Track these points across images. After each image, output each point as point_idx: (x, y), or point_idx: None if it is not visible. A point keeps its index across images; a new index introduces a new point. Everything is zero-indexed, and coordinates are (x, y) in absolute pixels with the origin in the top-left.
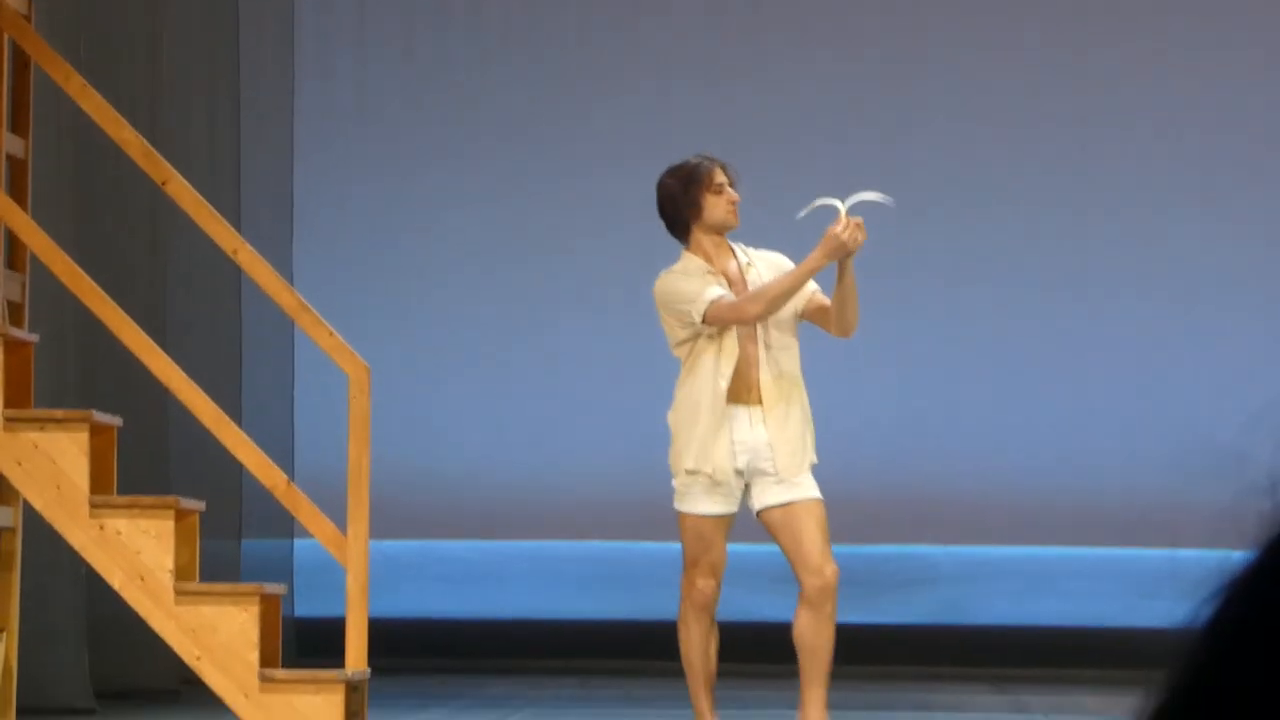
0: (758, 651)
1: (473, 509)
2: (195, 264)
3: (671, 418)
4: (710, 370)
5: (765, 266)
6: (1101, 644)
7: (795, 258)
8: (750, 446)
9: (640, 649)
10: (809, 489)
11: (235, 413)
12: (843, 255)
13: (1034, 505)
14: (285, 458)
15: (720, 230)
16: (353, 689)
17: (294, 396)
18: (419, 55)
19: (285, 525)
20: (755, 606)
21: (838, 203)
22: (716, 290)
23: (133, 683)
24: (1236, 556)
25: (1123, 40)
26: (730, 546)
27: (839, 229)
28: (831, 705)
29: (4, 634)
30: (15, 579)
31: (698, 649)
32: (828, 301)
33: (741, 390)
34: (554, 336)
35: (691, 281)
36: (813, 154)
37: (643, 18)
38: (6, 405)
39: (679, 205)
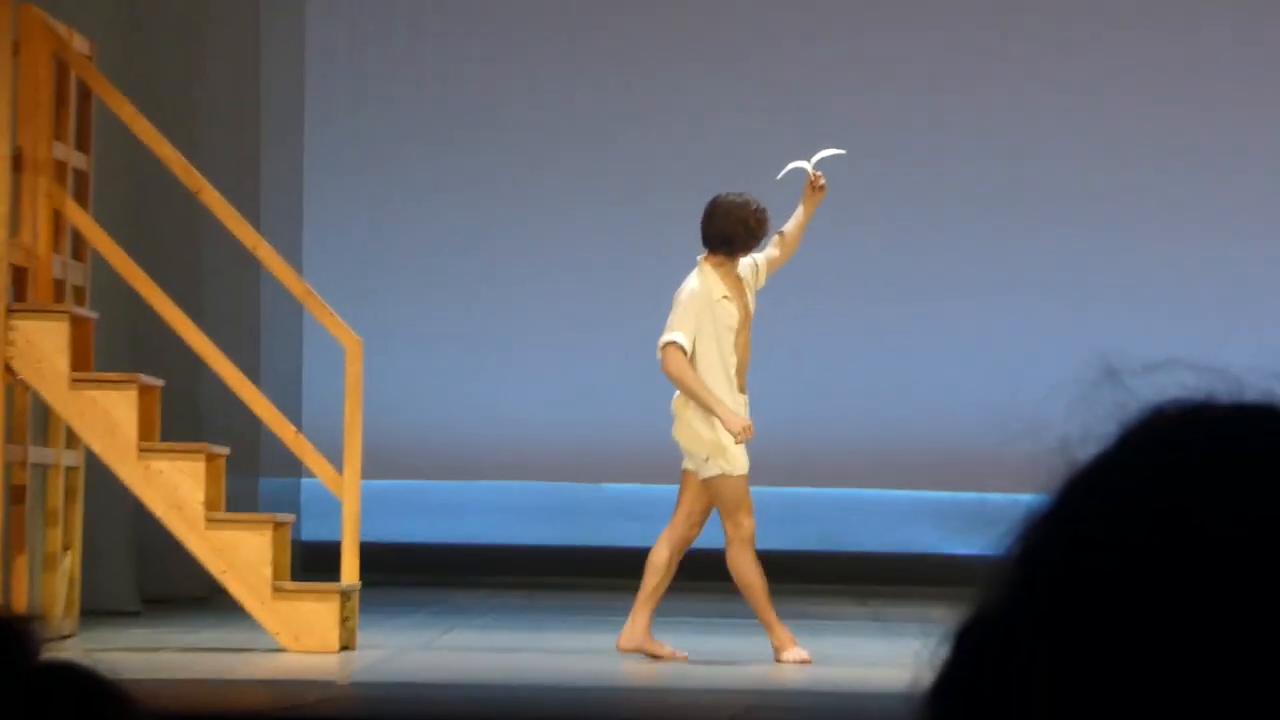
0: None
1: (445, 455)
2: (223, 256)
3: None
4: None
5: (750, 288)
6: (940, 567)
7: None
8: None
9: (580, 569)
10: None
11: (255, 376)
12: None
13: (889, 455)
14: (295, 413)
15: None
16: (346, 598)
17: (302, 363)
18: (412, 66)
19: (294, 467)
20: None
21: (805, 164)
22: (678, 335)
23: (171, 591)
24: (1034, 500)
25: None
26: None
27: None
28: (733, 614)
29: (70, 551)
30: (79, 508)
31: (759, 572)
32: (775, 254)
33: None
34: (516, 320)
35: (690, 310)
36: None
37: (618, 17)
38: (72, 369)
39: (751, 233)
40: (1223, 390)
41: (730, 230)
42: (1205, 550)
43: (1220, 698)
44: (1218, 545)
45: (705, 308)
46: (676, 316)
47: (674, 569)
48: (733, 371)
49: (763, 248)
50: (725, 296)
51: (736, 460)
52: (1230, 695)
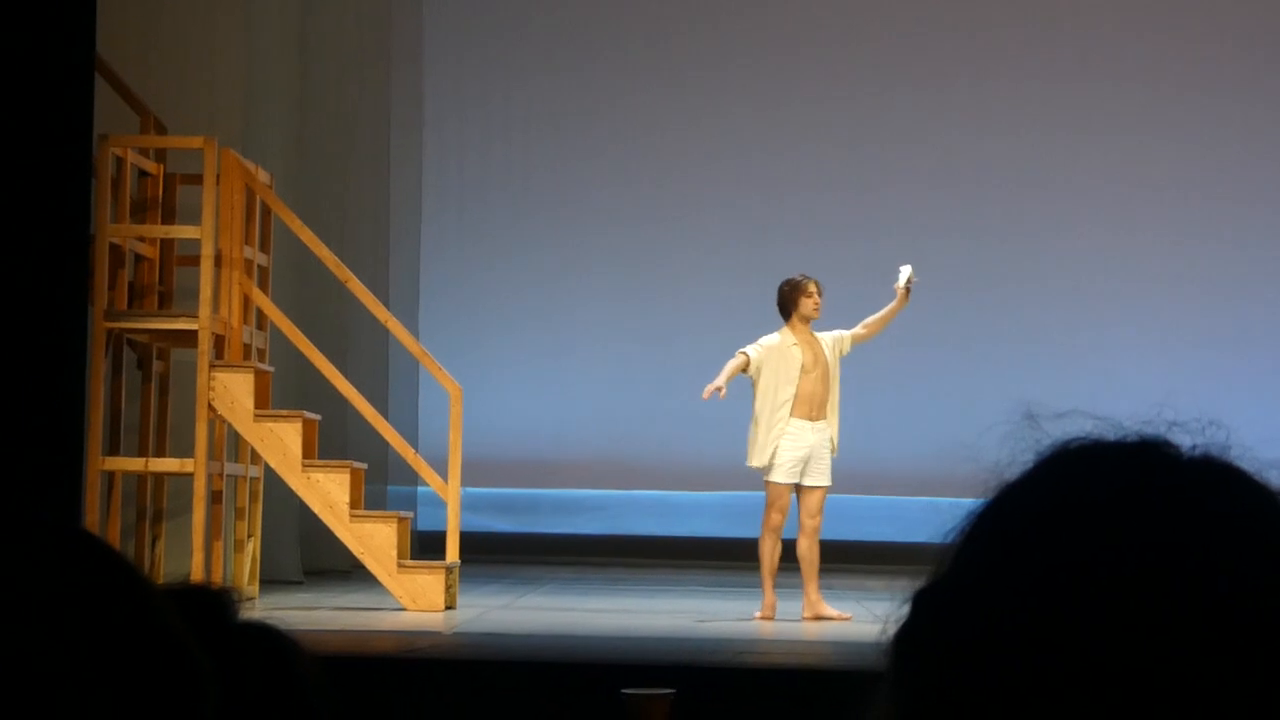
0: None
1: (521, 470)
2: (363, 325)
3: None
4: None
5: (826, 345)
6: (902, 551)
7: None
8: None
9: (616, 552)
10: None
11: (384, 411)
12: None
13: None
14: (413, 438)
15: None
16: (449, 571)
17: (419, 402)
18: (499, 185)
19: (413, 477)
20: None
21: (906, 271)
22: (747, 347)
23: (324, 566)
24: (974, 503)
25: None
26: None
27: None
28: (752, 584)
29: (253, 538)
30: (260, 507)
31: (771, 553)
32: (861, 332)
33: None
34: (582, 360)
35: (760, 343)
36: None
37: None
38: (255, 407)
39: (786, 299)
40: (1108, 432)
41: (780, 303)
42: (1089, 532)
43: (1104, 637)
44: (1097, 529)
45: (774, 350)
46: (756, 343)
47: (803, 551)
48: (788, 397)
49: (851, 326)
50: (794, 344)
51: (774, 473)
52: (1111, 635)
